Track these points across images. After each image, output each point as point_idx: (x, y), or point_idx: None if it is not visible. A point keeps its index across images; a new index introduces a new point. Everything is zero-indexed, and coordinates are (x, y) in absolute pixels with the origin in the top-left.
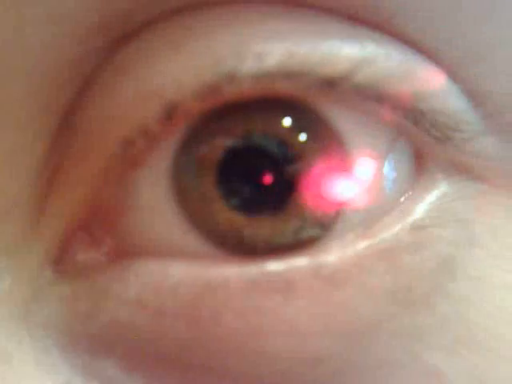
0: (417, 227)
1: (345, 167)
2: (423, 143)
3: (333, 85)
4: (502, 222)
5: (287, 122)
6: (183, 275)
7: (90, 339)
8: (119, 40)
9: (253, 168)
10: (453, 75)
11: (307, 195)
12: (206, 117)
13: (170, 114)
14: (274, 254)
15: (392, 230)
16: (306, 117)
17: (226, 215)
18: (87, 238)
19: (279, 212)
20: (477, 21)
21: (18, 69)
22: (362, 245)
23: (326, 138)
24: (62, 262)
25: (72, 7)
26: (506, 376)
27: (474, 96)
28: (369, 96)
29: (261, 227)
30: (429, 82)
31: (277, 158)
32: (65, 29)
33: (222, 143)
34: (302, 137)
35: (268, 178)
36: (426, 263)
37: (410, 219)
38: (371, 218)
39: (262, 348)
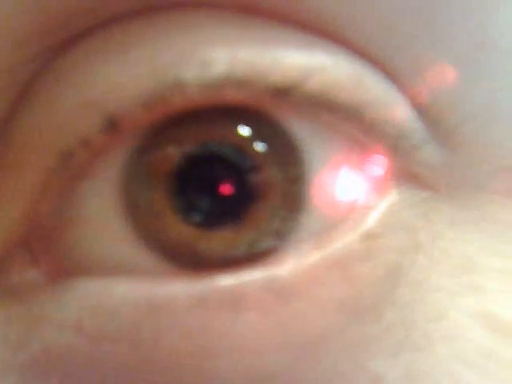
0: (368, 236)
1: (300, 176)
2: (371, 152)
3: (284, 93)
4: (443, 228)
5: (243, 130)
6: (126, 294)
7: (22, 367)
8: (58, 47)
9: (206, 179)
10: (399, 84)
11: (263, 205)
12: (156, 126)
13: (113, 124)
14: (226, 268)
15: (344, 239)
16: (263, 125)
17: (177, 228)
18: (25, 256)
19: (234, 224)
20: (420, 33)
21: None
22: (315, 256)
23: (283, 147)
24: None
25: (8, 10)
26: (439, 373)
27: (418, 105)
28: (320, 105)
29: (214, 240)
30: (376, 92)
31: (232, 168)
32: (0, 32)
33: (174, 153)
34: (258, 146)
35: (223, 189)
36: (375, 271)
37: (363, 228)
38: (325, 228)
39: (210, 367)
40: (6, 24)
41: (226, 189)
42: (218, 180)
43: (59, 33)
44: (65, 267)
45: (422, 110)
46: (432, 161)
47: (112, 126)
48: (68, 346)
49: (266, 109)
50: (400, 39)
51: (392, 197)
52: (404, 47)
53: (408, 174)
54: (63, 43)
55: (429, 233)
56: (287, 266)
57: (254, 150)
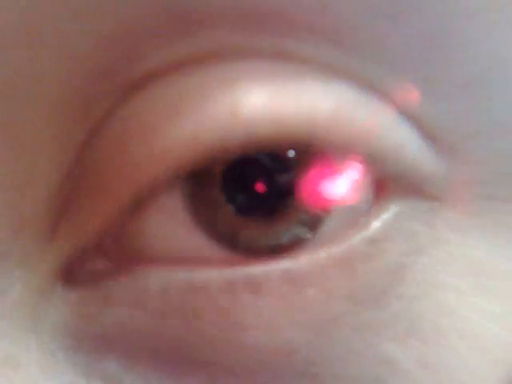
0: (372, 241)
1: (316, 184)
2: (381, 175)
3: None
4: (448, 234)
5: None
6: (171, 278)
7: (93, 340)
8: (129, 87)
9: (244, 178)
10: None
11: (291, 204)
12: None
13: (175, 174)
14: (253, 258)
15: (350, 242)
16: None
17: (225, 219)
18: (96, 248)
19: (263, 219)
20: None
21: (35, 102)
22: (325, 254)
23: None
24: (70, 271)
25: (83, 46)
26: (446, 360)
27: (418, 123)
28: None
29: (247, 231)
30: (379, 116)
31: (267, 169)
32: (78, 67)
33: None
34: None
35: (257, 187)
36: (379, 270)
37: (366, 234)
38: (335, 231)
39: (241, 342)
40: (80, 57)
41: (260, 187)
42: (255, 179)
43: (129, 72)
44: (127, 257)
45: (423, 127)
46: (435, 174)
47: (173, 175)
48: (131, 322)
49: None
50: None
51: (395, 207)
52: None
53: (411, 186)
54: (133, 85)
55: (431, 237)
56: (301, 261)
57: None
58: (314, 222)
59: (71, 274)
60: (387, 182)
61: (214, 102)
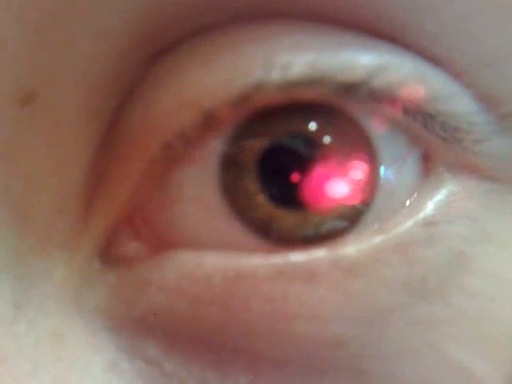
0: (428, 223)
1: (364, 167)
2: (432, 145)
3: (350, 90)
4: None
5: (313, 124)
6: (216, 264)
7: (133, 323)
8: (156, 54)
9: (285, 166)
10: (464, 81)
11: (329, 193)
12: (240, 123)
13: (205, 120)
14: (297, 245)
15: (405, 225)
16: (331, 120)
17: (259, 207)
18: (130, 231)
19: (304, 207)
20: (488, 29)
21: (68, 81)
22: (377, 239)
23: (350, 140)
24: (107, 253)
25: (116, 24)
26: None
27: (484, 99)
28: (382, 100)
29: (287, 219)
30: (440, 87)
31: (303, 157)
32: (110, 43)
33: (258, 145)
34: (328, 138)
35: (295, 176)
36: (438, 257)
37: (421, 216)
38: (385, 214)
39: (287, 331)
40: (115, 35)
41: (299, 175)
42: (293, 167)
43: (157, 42)
44: (163, 241)
45: (489, 105)
46: (498, 153)
47: (204, 121)
48: (169, 306)
49: (334, 105)
50: (464, 37)
51: (450, 187)
52: (469, 45)
53: (469, 165)
54: (160, 52)
55: (496, 223)
56: (353, 247)
57: (323, 140)
58: (354, 211)
59: (108, 257)
60: (437, 155)
61: (248, 53)
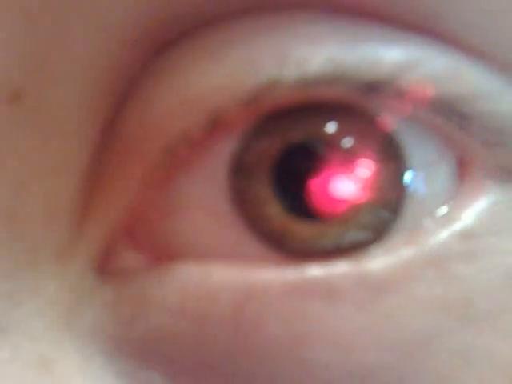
0: (467, 236)
1: (389, 172)
2: (469, 148)
3: (374, 89)
4: None
5: (332, 126)
6: (224, 279)
7: (133, 345)
8: (161, 47)
9: (299, 171)
10: (509, 76)
11: (352, 200)
12: (252, 125)
13: (212, 122)
14: (315, 258)
15: (438, 237)
16: (352, 120)
17: (271, 217)
18: (130, 242)
19: (322, 216)
20: None
21: (62, 77)
22: (407, 252)
23: (373, 142)
24: (104, 266)
25: (118, 15)
26: None
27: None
28: (411, 100)
29: (303, 230)
30: (479, 84)
31: (321, 162)
32: (111, 35)
33: (271, 149)
34: (348, 141)
35: (312, 182)
36: (484, 275)
37: (458, 226)
38: (414, 224)
39: (307, 357)
40: (117, 27)
41: (316, 182)
42: (309, 173)
43: (161, 35)
44: (166, 252)
45: None
46: None
47: (212, 123)
48: (172, 327)
49: (356, 104)
50: (503, 29)
51: (493, 195)
52: (508, 37)
53: (506, 164)
54: (165, 44)
55: None
56: (379, 261)
57: (343, 144)
58: (379, 221)
59: (105, 270)
60: (476, 160)
61: (260, 48)
